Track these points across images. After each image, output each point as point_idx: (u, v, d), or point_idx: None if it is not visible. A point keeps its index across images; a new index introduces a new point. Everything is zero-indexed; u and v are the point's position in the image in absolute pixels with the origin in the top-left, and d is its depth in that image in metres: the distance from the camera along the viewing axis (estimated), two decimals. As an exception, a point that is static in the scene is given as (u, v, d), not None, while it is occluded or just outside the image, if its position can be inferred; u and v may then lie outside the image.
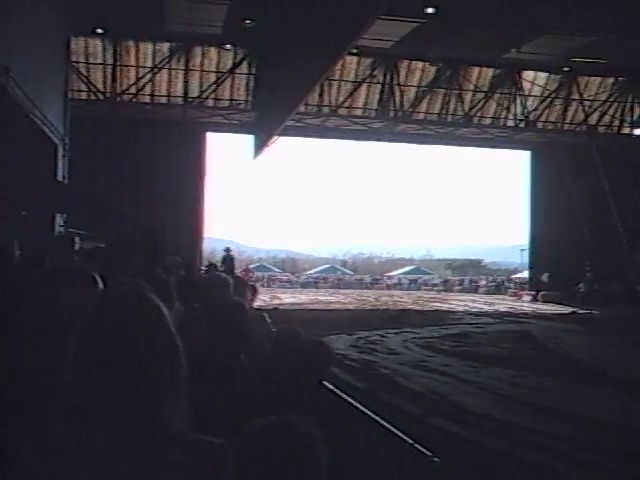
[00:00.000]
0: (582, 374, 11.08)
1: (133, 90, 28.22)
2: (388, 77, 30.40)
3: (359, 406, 3.58)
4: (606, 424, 7.44)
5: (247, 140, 32.46)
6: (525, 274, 37.77)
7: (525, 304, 30.99)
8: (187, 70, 28.58)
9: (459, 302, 30.94)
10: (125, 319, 1.37)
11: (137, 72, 28.09)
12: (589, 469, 5.82)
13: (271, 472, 1.54)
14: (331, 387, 3.84)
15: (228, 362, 3.01)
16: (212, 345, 3.04)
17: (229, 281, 4.23)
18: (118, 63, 27.59)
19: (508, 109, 32.62)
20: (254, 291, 4.08)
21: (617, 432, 7.12)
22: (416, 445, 3.08)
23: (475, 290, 42.38)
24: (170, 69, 28.41)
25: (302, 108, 27.55)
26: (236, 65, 28.74)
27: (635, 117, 33.82)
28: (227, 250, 25.84)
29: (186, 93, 28.99)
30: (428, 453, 3.08)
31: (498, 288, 41.69)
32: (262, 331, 3.78)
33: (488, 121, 32.82)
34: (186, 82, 28.89)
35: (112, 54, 27.35)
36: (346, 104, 30.85)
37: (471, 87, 31.76)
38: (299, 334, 3.65)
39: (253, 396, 2.90)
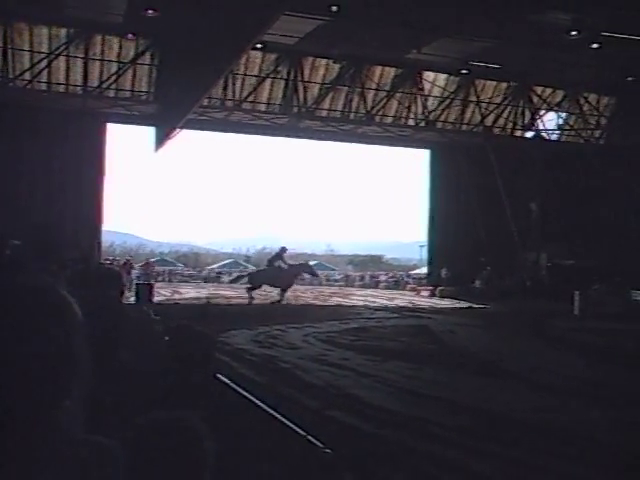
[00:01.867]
0: (477, 367, 11.49)
1: (27, 76, 27.08)
2: (292, 73, 30.52)
3: (254, 399, 3.58)
4: (496, 414, 7.75)
5: (149, 132, 31.81)
6: (424, 270, 38.76)
7: (423, 299, 31.79)
8: (87, 58, 27.68)
9: (359, 297, 31.42)
10: (17, 317, 1.31)
11: (32, 57, 26.97)
12: (478, 455, 6.05)
13: (155, 468, 1.53)
14: (227, 381, 3.83)
15: (105, 359, 2.95)
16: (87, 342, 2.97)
17: (118, 275, 4.12)
18: (10, 46, 26.35)
19: (409, 108, 33.37)
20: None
21: (506, 421, 7.43)
22: (308, 437, 3.11)
23: (375, 285, 43.13)
24: (68, 56, 27.45)
25: (205, 101, 27.25)
26: (138, 55, 28.09)
27: (526, 120, 35.32)
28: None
29: (86, 82, 28.08)
30: (320, 445, 3.11)
31: (398, 283, 42.59)
32: (152, 328, 3.72)
33: (389, 120, 33.49)
34: (85, 71, 27.99)
35: (2, 36, 26.10)
36: (250, 99, 30.74)
37: (373, 86, 32.30)
38: (192, 328, 3.61)
39: (145, 393, 2.86)
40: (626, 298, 28.99)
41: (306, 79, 30.89)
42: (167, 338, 3.59)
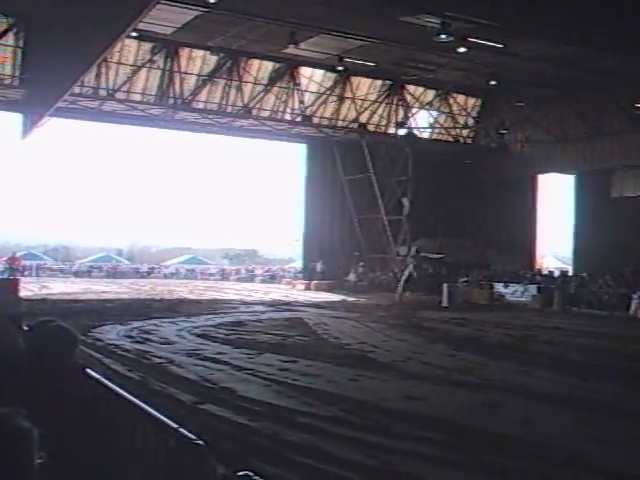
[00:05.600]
0: (350, 358, 11.78)
1: None
2: (168, 64, 29.92)
3: (125, 394, 3.54)
4: (368, 403, 7.99)
5: (15, 119, 30.22)
6: (299, 264, 39.14)
7: (299, 293, 32.12)
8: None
9: (235, 291, 31.32)
10: None
11: None
12: (350, 444, 6.24)
13: None
14: (97, 376, 3.76)
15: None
16: None
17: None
18: None
19: (286, 103, 33.54)
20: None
21: (377, 409, 7.68)
22: (180, 429, 3.12)
23: (252, 279, 43.12)
24: None
25: (77, 89, 26.24)
26: (0, 35, 26.52)
27: (400, 118, 36.39)
28: None
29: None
30: (192, 437, 3.12)
31: (274, 277, 42.80)
32: (7, 324, 3.58)
33: (267, 113, 33.53)
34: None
35: None
36: (124, 88, 29.88)
37: (251, 79, 32.23)
38: (52, 324, 3.51)
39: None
40: (491, 291, 30.56)
41: (183, 70, 30.37)
42: (25, 334, 3.48)
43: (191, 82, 30.99)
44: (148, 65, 29.75)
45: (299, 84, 33.28)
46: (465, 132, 39.50)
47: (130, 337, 13.61)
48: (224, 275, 45.33)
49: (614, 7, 20.52)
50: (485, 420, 7.38)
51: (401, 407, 7.84)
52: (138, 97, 30.48)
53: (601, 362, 12.34)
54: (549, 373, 10.74)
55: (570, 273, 32.27)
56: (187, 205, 79.50)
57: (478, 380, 9.88)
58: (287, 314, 20.20)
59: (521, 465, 5.72)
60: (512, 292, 29.56)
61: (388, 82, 35.40)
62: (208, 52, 29.96)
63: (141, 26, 22.95)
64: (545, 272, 32.04)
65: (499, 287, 30.52)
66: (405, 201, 35.64)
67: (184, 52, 30.09)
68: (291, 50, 27.57)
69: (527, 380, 10.05)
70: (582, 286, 27.64)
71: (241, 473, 2.72)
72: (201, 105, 31.82)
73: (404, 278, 22.99)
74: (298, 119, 33.93)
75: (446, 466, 5.69)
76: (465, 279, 32.05)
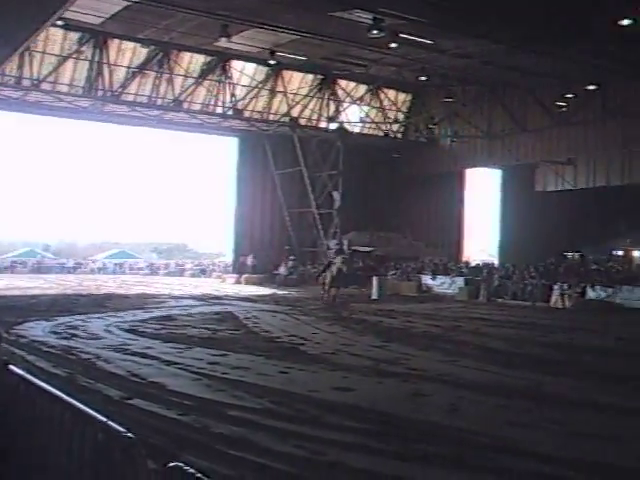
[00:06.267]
0: (280, 351, 11.84)
1: None
2: (97, 55, 29.25)
3: (50, 389, 3.51)
4: (298, 395, 8.06)
5: None
6: (229, 258, 38.95)
7: (229, 286, 31.99)
8: None
9: (165, 285, 30.97)
10: None
11: None
12: (273, 433, 6.30)
13: None
14: (21, 373, 3.72)
15: None
16: None
17: None
18: None
19: (217, 96, 33.30)
20: None
21: (307, 401, 7.76)
22: (109, 423, 3.12)
23: (181, 273, 42.65)
24: None
25: (-2, 78, 25.42)
26: None
27: (331, 112, 36.59)
28: None
29: None
30: (122, 430, 3.12)
31: (204, 271, 42.46)
32: None
33: (198, 107, 33.21)
34: None
35: None
36: (50, 79, 29.08)
37: (182, 72, 31.85)
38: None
39: None
40: (420, 283, 31.14)
41: (112, 62, 29.75)
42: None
43: (120, 74, 30.40)
44: (75, 55, 29.03)
45: (231, 77, 33.08)
46: (395, 127, 40.00)
47: (56, 333, 13.31)
48: (153, 269, 44.66)
49: (532, 8, 21.25)
50: (413, 409, 7.56)
51: (330, 398, 7.95)
52: (65, 88, 29.72)
53: (523, 350, 12.77)
54: (474, 362, 11.05)
55: (496, 265, 33.12)
56: (116, 199, 77.90)
57: (406, 370, 10.09)
58: (217, 308, 20.11)
59: (446, 451, 5.89)
60: (440, 284, 30.20)
61: (320, 76, 35.55)
62: (138, 44, 29.45)
63: (68, 15, 22.39)
64: (472, 264, 32.80)
65: (427, 279, 31.13)
66: (336, 195, 35.87)
67: (113, 43, 29.48)
68: (223, 43, 27.37)
69: (453, 369, 10.33)
70: (507, 278, 28.44)
71: (172, 464, 2.75)
72: (131, 97, 31.26)
73: (331, 275, 22.19)
74: (229, 113, 33.73)
75: (374, 454, 5.82)
76: (394, 272, 32.56)
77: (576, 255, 34.08)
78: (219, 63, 32.45)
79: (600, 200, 39.58)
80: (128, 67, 30.41)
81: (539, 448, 6.05)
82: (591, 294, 25.05)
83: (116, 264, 45.52)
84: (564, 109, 31.86)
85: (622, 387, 9.17)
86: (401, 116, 39.63)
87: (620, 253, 34.16)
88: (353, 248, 35.76)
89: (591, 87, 29.61)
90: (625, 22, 21.10)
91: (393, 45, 25.79)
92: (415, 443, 6.13)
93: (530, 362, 11.23)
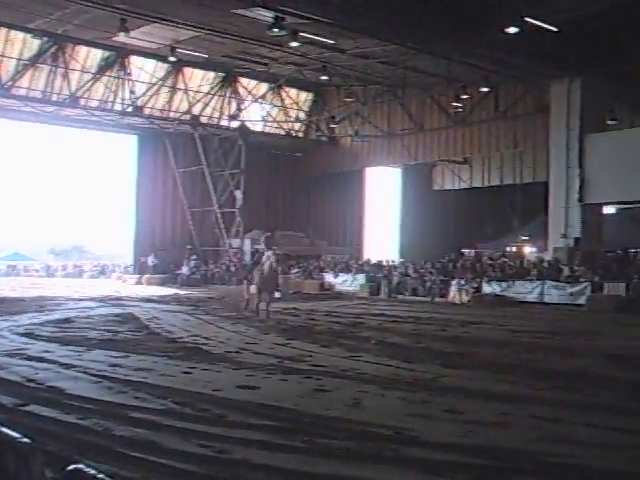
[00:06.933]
0: (183, 351, 11.72)
1: None
2: (-19, 44, 27.98)
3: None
4: (201, 395, 8.00)
5: None
6: (130, 258, 38.13)
7: (130, 287, 31.32)
8: None
9: (63, 287, 30.00)
10: None
11: None
12: (176, 434, 6.26)
13: None
14: None
15: None
16: None
17: None
18: None
19: (116, 93, 32.51)
20: None
21: (210, 400, 7.73)
22: (1, 428, 3.03)
23: (80, 275, 41.43)
24: None
25: None
26: None
27: (232, 111, 36.42)
28: None
29: None
30: (16, 435, 3.03)
31: (103, 272, 41.41)
32: None
33: (95, 103, 32.32)
34: None
35: None
36: None
37: (78, 67, 30.90)
38: None
39: None
40: (322, 281, 31.46)
41: (0, 53, 28.52)
42: None
43: (10, 66, 29.16)
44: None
45: (130, 74, 32.37)
46: (297, 126, 40.24)
47: (-58, 340, 12.67)
48: (50, 271, 43.16)
49: (427, 14, 21.98)
50: (317, 405, 7.66)
51: (235, 397, 7.95)
52: (-52, 80, 28.30)
53: (423, 345, 13.16)
54: (376, 357, 11.30)
55: (396, 263, 33.86)
56: (8, 198, 74.70)
57: (310, 367, 10.21)
58: (118, 309, 19.68)
59: (349, 444, 6.01)
60: (342, 282, 30.62)
61: (221, 74, 35.32)
62: (29, 34, 28.34)
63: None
64: (373, 262, 33.42)
65: (329, 277, 31.49)
66: (238, 193, 35.77)
67: (1, 33, 28.24)
68: (121, 38, 26.72)
69: (356, 365, 10.52)
70: (406, 275, 29.15)
71: (71, 467, 2.70)
72: (23, 92, 30.06)
73: (260, 275, 17.25)
74: (129, 109, 33.00)
75: (279, 450, 5.87)
76: (297, 270, 32.77)
77: (472, 252, 35.32)
78: (118, 59, 31.69)
79: (494, 198, 41.20)
80: (18, 59, 29.20)
81: (438, 437, 6.28)
82: (486, 289, 26.03)
83: (9, 266, 43.68)
84: (460, 110, 32.94)
85: (512, 376, 9.61)
86: (302, 115, 39.90)
87: (513, 249, 35.64)
88: (255, 247, 35.71)
89: (484, 89, 30.75)
90: (512, 30, 22.17)
91: (294, 44, 25.94)
92: (319, 437, 6.23)
93: (429, 355, 11.59)
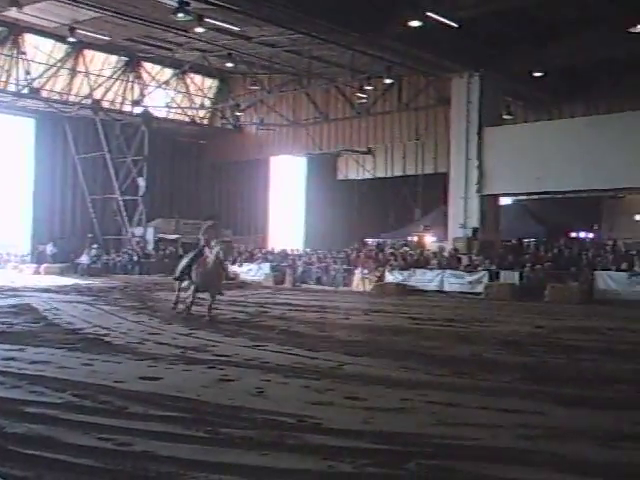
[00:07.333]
0: (83, 342, 11.41)
1: None
2: None
3: None
4: (99, 387, 7.84)
5: None
6: (27, 247, 36.70)
7: (27, 277, 30.18)
8: None
9: (-47, 277, 28.60)
10: None
11: None
12: (75, 428, 6.11)
13: None
14: None
15: None
16: None
17: None
18: None
19: (9, 72, 31.16)
20: None
21: (106, 392, 7.58)
22: None
23: (-28, 265, 39.54)
24: None
25: None
26: None
27: (136, 96, 35.59)
28: None
29: None
30: None
31: (-2, 262, 39.66)
32: None
33: (-14, 83, 30.90)
34: None
35: None
36: None
37: (-35, 43, 29.45)
38: None
39: None
40: (227, 270, 31.25)
41: None
42: None
43: None
44: None
45: (25, 53, 31.05)
46: (202, 113, 39.78)
47: None
48: None
49: (332, 1, 22.21)
50: (220, 394, 7.65)
51: (137, 388, 7.84)
52: None
53: (326, 333, 13.34)
54: (280, 346, 11.37)
55: (301, 252, 34.09)
56: None
57: (213, 357, 10.17)
58: (13, 300, 18.90)
59: (252, 433, 6.05)
60: (246, 271, 30.59)
61: (124, 58, 34.43)
62: None
63: None
64: (278, 251, 33.52)
65: (234, 266, 31.34)
66: (141, 181, 35.09)
67: None
68: (13, 13, 25.54)
69: (260, 354, 10.55)
70: (311, 264, 29.40)
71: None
72: None
73: (205, 269, 14.82)
74: (24, 91, 31.68)
75: (181, 441, 5.84)
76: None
77: (375, 241, 35.98)
78: (10, 35, 30.32)
79: (397, 188, 42.08)
80: None
81: (340, 424, 6.40)
82: (389, 278, 26.60)
83: None
84: (364, 101, 33.40)
85: (412, 363, 9.90)
86: (207, 102, 39.47)
87: (415, 239, 36.52)
88: (159, 236, 35.21)
89: (388, 81, 31.29)
90: (415, 24, 22.71)
91: (199, 30, 25.59)
92: (222, 427, 6.23)
93: (333, 344, 11.77)
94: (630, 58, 26.01)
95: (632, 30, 22.79)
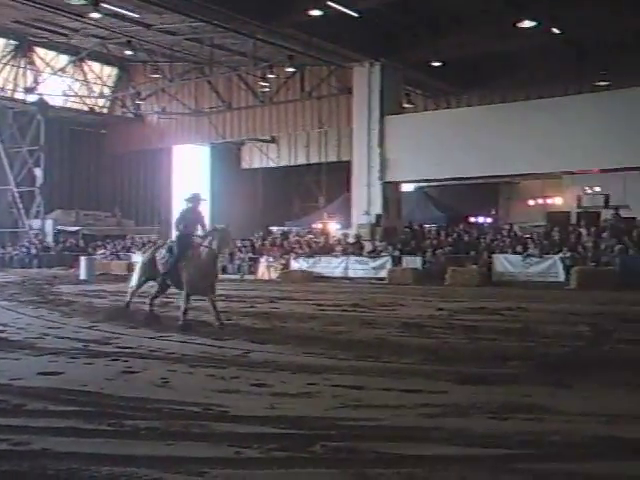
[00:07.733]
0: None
1: None
2: None
3: None
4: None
5: None
6: None
7: None
8: None
9: None
10: None
11: None
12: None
13: None
14: None
15: None
16: None
17: None
18: None
19: None
20: None
21: (2, 390, 7.35)
22: None
23: None
24: None
25: None
26: None
27: (29, 83, 34.24)
28: None
29: None
30: None
31: None
32: None
33: None
34: None
35: None
36: None
37: None
38: None
39: None
40: (129, 261, 30.65)
41: None
42: None
43: None
44: None
45: None
46: (101, 102, 38.71)
47: None
48: None
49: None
50: (124, 387, 7.53)
51: (36, 384, 7.60)
52: None
53: (232, 321, 13.31)
54: (185, 336, 11.29)
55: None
56: None
57: (117, 349, 9.99)
58: None
59: (157, 424, 6.00)
60: (151, 262, 30.01)
61: (13, 42, 33.02)
62: None
63: None
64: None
65: (137, 257, 30.77)
66: (38, 171, 33.91)
67: None
68: None
69: (164, 344, 10.45)
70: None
71: None
72: None
73: (195, 267, 12.06)
74: None
75: (84, 436, 5.72)
76: (103, 251, 31.72)
77: (280, 229, 36.08)
78: None
79: (301, 177, 42.31)
80: None
81: (246, 411, 6.44)
82: (294, 265, 26.77)
83: None
84: (267, 89, 33.37)
85: (318, 348, 10.04)
86: (107, 90, 38.44)
87: (319, 226, 36.84)
88: (59, 228, 34.15)
89: (290, 70, 31.35)
90: (316, 13, 22.88)
91: (95, 15, 24.85)
92: (126, 419, 6.15)
93: (238, 332, 11.76)
94: (520, 52, 27.15)
95: (520, 25, 23.70)
